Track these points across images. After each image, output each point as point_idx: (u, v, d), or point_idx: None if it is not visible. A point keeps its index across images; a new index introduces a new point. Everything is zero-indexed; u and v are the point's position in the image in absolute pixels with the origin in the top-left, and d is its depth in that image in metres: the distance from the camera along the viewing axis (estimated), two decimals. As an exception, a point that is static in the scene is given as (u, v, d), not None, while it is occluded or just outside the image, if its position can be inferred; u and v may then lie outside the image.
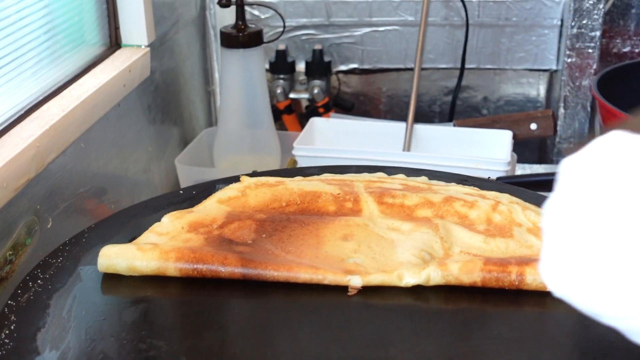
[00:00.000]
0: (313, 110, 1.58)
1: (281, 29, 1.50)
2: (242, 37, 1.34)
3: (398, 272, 0.72)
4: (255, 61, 1.37)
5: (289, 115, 1.61)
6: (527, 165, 1.55)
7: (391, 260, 0.75)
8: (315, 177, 0.92)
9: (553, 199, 0.51)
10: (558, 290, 0.51)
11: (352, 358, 0.64)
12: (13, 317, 0.69)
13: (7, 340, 0.66)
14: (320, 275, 0.72)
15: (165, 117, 1.38)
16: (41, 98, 0.99)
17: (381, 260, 0.75)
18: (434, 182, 0.92)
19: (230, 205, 0.86)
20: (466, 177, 0.96)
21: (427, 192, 0.88)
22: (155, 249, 0.73)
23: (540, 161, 1.68)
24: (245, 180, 0.90)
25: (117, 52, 1.21)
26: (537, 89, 1.68)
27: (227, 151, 1.44)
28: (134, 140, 1.24)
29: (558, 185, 0.52)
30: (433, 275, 0.71)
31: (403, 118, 1.73)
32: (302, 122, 1.63)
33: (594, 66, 1.53)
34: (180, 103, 1.47)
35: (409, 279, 0.72)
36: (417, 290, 0.72)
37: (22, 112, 0.95)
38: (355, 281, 0.71)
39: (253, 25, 1.37)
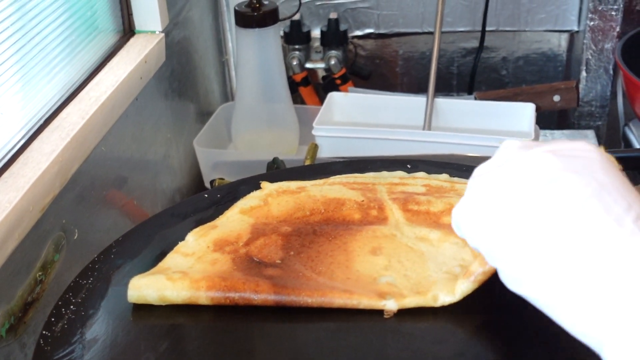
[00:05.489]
0: (330, 82, 1.55)
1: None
2: (257, 16, 1.31)
3: (433, 293, 0.71)
4: (272, 39, 1.34)
5: (306, 87, 1.58)
6: (547, 132, 1.53)
7: (424, 279, 0.74)
8: (337, 178, 0.92)
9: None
10: (471, 240, 0.63)
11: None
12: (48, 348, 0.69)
13: (45, 378, 0.66)
14: (355, 300, 0.71)
15: (182, 99, 1.36)
16: (59, 103, 0.97)
17: (413, 278, 0.74)
18: (456, 179, 0.91)
19: (253, 216, 0.85)
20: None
21: (451, 193, 0.87)
22: (185, 279, 0.73)
23: (560, 125, 1.65)
24: (267, 188, 0.89)
25: (132, 40, 1.18)
26: (558, 50, 1.64)
27: (245, 128, 1.43)
28: (153, 130, 1.22)
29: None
30: (464, 289, 0.71)
31: (420, 81, 1.71)
32: (319, 92, 1.61)
33: (617, 29, 1.49)
34: (196, 80, 1.45)
35: (444, 299, 0.71)
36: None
37: (41, 121, 0.93)
38: (391, 305, 0.71)
39: (267, 2, 1.34)
